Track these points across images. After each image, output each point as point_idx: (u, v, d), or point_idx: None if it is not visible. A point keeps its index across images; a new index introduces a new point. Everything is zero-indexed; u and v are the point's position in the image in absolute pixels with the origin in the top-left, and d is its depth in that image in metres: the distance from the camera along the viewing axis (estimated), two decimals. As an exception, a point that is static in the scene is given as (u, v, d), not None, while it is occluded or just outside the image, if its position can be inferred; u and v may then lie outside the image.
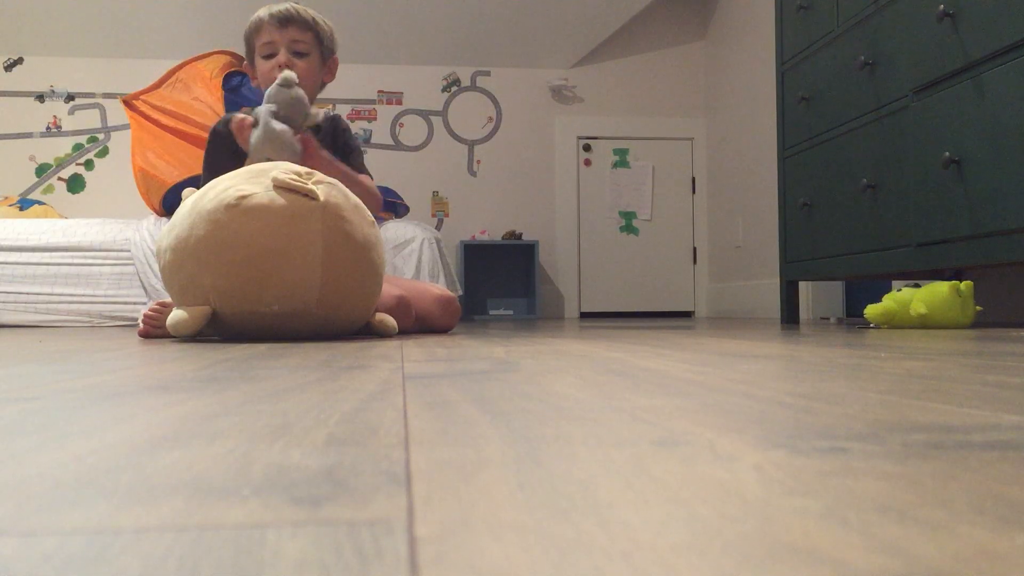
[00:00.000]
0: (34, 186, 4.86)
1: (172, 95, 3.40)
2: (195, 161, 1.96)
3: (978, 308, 2.03)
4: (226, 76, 3.36)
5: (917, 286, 2.11)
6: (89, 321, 3.25)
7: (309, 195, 1.43)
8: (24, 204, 4.24)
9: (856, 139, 2.41)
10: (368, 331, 1.66)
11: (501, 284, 5.18)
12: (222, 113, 3.20)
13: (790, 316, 2.83)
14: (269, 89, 1.77)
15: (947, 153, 1.96)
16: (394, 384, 0.63)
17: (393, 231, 3.54)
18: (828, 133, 2.55)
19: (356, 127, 5.10)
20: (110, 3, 4.52)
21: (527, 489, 0.27)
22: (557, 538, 0.21)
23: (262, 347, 1.24)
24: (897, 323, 2.06)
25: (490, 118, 5.22)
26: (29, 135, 4.89)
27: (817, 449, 0.34)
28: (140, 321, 1.72)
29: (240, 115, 1.79)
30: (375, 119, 5.14)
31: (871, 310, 2.08)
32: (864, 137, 2.37)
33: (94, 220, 3.45)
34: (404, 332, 1.80)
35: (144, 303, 3.15)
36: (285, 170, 1.46)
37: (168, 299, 1.70)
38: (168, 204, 3.30)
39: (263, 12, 1.91)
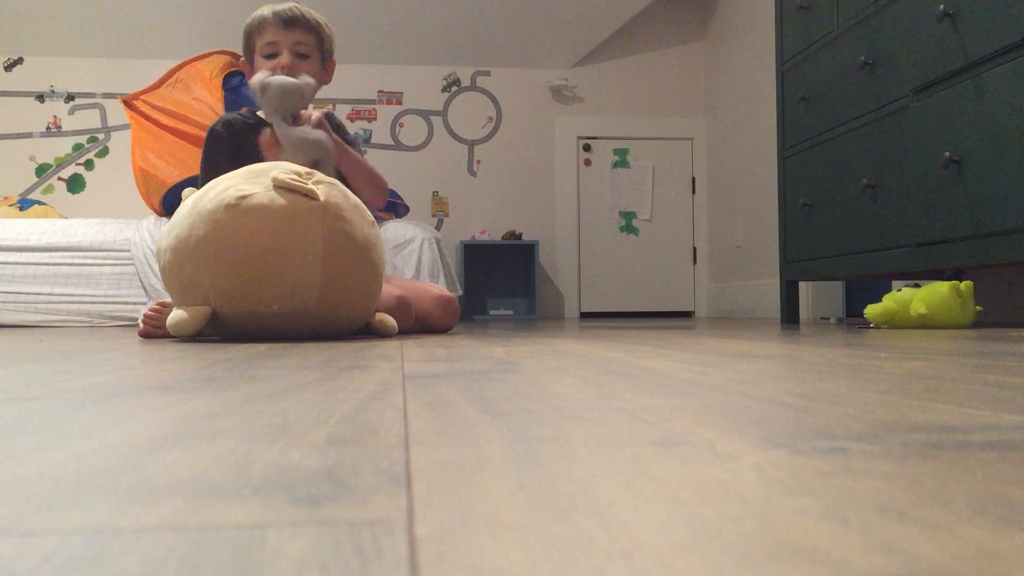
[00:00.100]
0: (34, 186, 4.86)
1: (172, 95, 3.40)
2: (195, 161, 1.96)
3: (978, 308, 2.03)
4: (226, 76, 3.36)
5: (917, 286, 2.11)
6: (89, 321, 3.25)
7: (309, 195, 1.43)
8: (24, 204, 4.24)
9: (856, 139, 2.41)
10: (368, 331, 1.66)
11: (501, 284, 5.18)
12: (222, 113, 3.21)
13: (790, 316, 2.83)
14: (259, 100, 1.78)
15: (947, 153, 1.96)
16: (394, 384, 0.63)
17: (393, 231, 3.54)
18: (828, 133, 2.55)
19: (356, 127, 5.10)
20: (110, 3, 4.53)
21: (527, 489, 0.27)
22: (557, 538, 0.21)
23: (262, 347, 1.24)
24: (897, 323, 2.06)
25: (490, 118, 5.22)
26: (29, 135, 4.89)
27: (817, 449, 0.34)
28: (140, 321, 1.72)
29: (267, 134, 1.81)
30: (375, 119, 5.14)
31: (871, 310, 2.08)
32: (864, 137, 2.37)
33: (94, 220, 3.45)
34: (404, 332, 1.80)
35: (144, 303, 3.15)
36: (285, 170, 1.46)
37: (168, 299, 1.70)
38: (168, 204, 3.30)
39: (266, 10, 1.90)
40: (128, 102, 3.42)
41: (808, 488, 0.27)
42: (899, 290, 2.10)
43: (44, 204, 4.31)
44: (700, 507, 0.24)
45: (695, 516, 0.23)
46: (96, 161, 4.93)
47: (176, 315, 1.44)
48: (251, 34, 1.91)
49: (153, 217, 3.43)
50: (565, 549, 0.20)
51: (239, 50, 2.00)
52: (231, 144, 1.84)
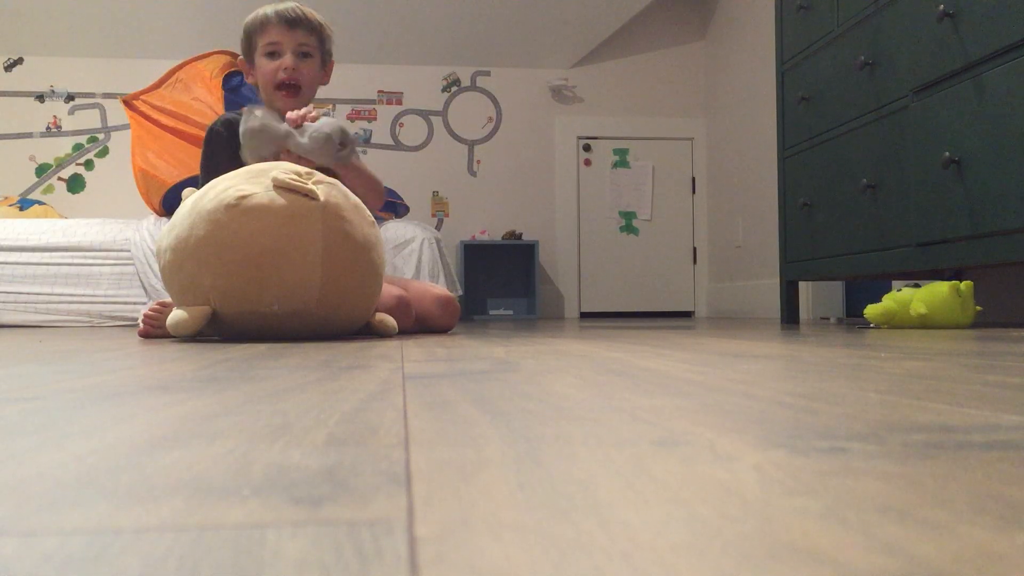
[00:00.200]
0: (34, 186, 4.86)
1: (172, 95, 3.40)
2: (195, 161, 1.96)
3: (978, 308, 2.03)
4: (226, 76, 3.36)
5: (917, 286, 2.11)
6: (89, 321, 3.25)
7: (309, 195, 1.43)
8: (24, 204, 4.24)
9: (856, 139, 2.41)
10: (368, 331, 1.66)
11: (501, 284, 5.18)
12: (222, 113, 3.20)
13: (790, 316, 2.83)
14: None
15: (947, 153, 1.96)
16: (394, 384, 0.63)
17: (393, 231, 3.54)
18: (828, 133, 2.55)
19: (356, 127, 5.10)
20: (110, 3, 4.52)
21: (527, 489, 0.27)
22: (557, 538, 0.21)
23: (262, 347, 1.24)
24: (897, 323, 2.06)
25: (490, 118, 5.22)
26: (29, 135, 4.89)
27: (817, 449, 0.34)
28: (140, 321, 1.72)
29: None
30: (375, 119, 5.14)
31: (871, 310, 2.08)
32: (864, 137, 2.37)
33: (94, 220, 3.45)
34: (404, 332, 1.80)
35: (144, 303, 3.15)
36: (285, 170, 1.46)
37: (168, 299, 1.70)
38: (168, 204, 3.30)
39: (269, 10, 1.89)
40: (128, 102, 3.42)
41: (808, 488, 0.27)
42: (899, 290, 2.10)
43: (44, 204, 4.31)
44: (700, 507, 0.24)
45: (695, 516, 0.23)
46: (96, 161, 4.93)
47: (176, 315, 1.44)
48: (252, 33, 1.90)
49: (153, 217, 3.43)
50: (565, 549, 0.20)
51: (239, 49, 1.99)
52: (231, 144, 1.84)
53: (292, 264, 1.42)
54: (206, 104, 3.33)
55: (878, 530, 0.22)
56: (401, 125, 5.16)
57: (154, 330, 1.68)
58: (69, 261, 3.27)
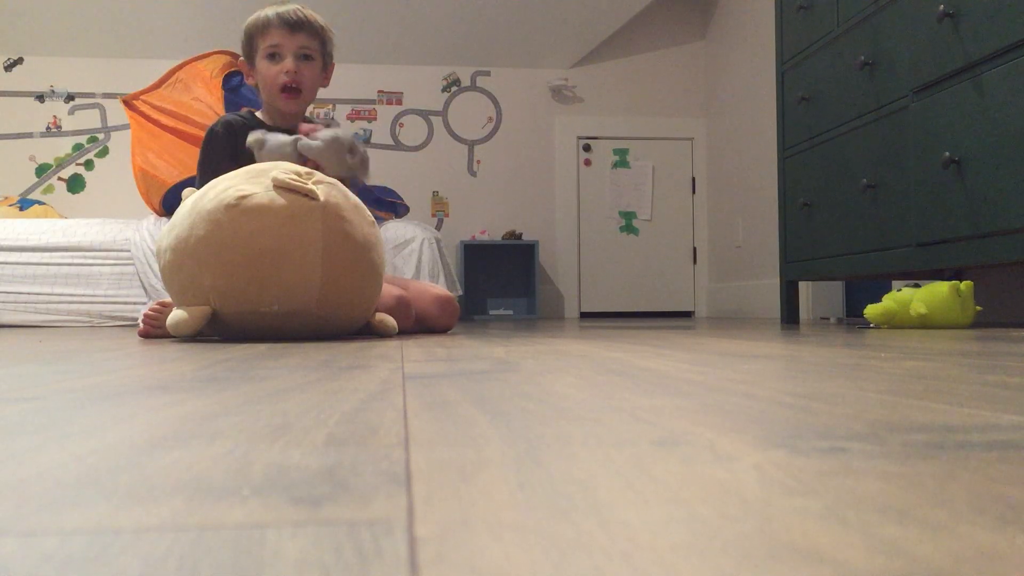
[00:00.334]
0: (34, 186, 4.86)
1: (172, 95, 3.40)
2: (195, 161, 1.95)
3: (978, 308, 2.03)
4: (226, 76, 3.36)
5: (917, 286, 2.11)
6: (89, 321, 3.25)
7: (309, 195, 1.43)
8: (24, 204, 4.24)
9: (856, 139, 2.41)
10: (368, 331, 1.66)
11: (501, 284, 5.18)
12: (222, 113, 3.20)
13: (790, 316, 2.83)
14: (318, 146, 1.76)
15: (947, 153, 1.96)
16: (394, 384, 0.63)
17: (393, 231, 3.54)
18: (828, 133, 2.55)
19: (356, 127, 5.10)
20: (110, 3, 4.52)
21: (527, 489, 0.27)
22: (557, 538, 0.21)
23: (262, 347, 1.24)
24: (897, 323, 2.06)
25: (490, 118, 5.22)
26: (29, 135, 4.89)
27: (817, 449, 0.34)
28: (140, 321, 1.72)
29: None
30: (375, 119, 5.14)
31: (871, 310, 2.08)
32: (864, 137, 2.37)
33: (94, 220, 3.45)
34: (404, 332, 1.80)
35: (144, 303, 3.15)
36: (285, 170, 1.46)
37: (168, 299, 1.70)
38: (168, 204, 3.30)
39: (270, 12, 1.88)
40: (128, 102, 3.42)
41: (808, 488, 0.27)
42: (899, 290, 2.10)
43: (44, 204, 4.31)
44: (700, 507, 0.24)
45: (695, 516, 0.23)
46: (96, 161, 4.93)
47: (176, 315, 1.44)
48: (254, 35, 1.90)
49: (153, 217, 3.43)
50: (565, 549, 0.20)
51: (239, 50, 1.99)
52: (229, 145, 1.84)
53: (292, 264, 1.42)
54: (206, 104, 3.33)
55: (878, 530, 0.22)
56: (401, 125, 5.16)
57: (154, 330, 1.68)
58: (69, 261, 3.27)
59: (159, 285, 3.09)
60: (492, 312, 5.14)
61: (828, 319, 3.62)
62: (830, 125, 2.54)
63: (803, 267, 2.72)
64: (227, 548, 0.21)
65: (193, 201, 1.49)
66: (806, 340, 1.38)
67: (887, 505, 0.24)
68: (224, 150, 1.83)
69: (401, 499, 0.26)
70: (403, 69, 5.17)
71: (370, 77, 5.12)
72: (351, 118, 5.08)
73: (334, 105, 5.03)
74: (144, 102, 3.40)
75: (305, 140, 1.76)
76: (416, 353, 1.05)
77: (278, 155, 1.72)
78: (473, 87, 5.23)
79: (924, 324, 2.02)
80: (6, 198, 4.40)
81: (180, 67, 3.42)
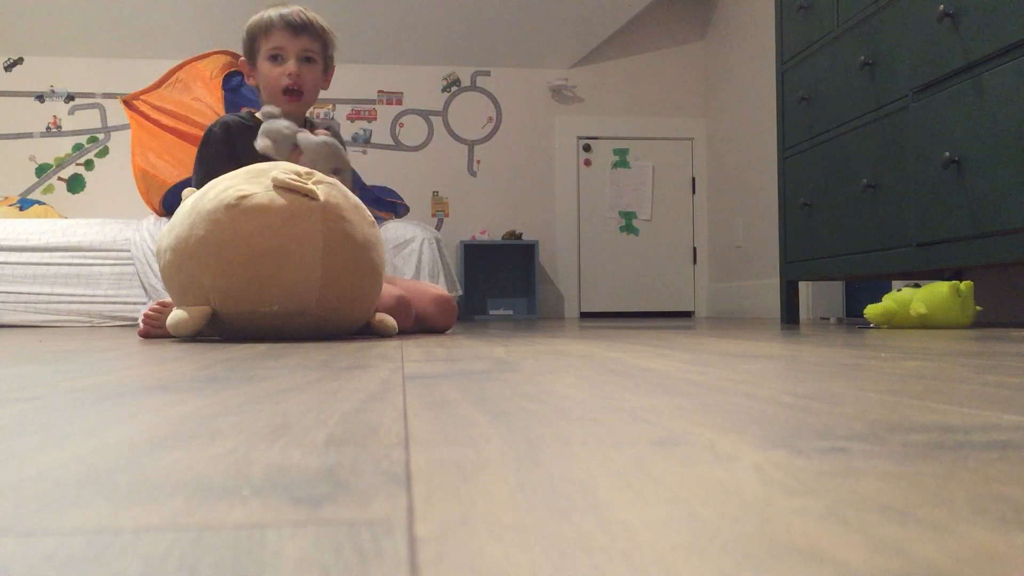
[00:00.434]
0: (34, 186, 4.86)
1: (172, 95, 3.40)
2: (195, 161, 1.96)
3: (978, 308, 2.03)
4: (226, 76, 3.36)
5: (917, 286, 2.11)
6: (89, 321, 3.25)
7: (309, 195, 1.43)
8: (24, 204, 4.24)
9: (856, 139, 2.41)
10: (368, 331, 1.66)
11: (501, 284, 5.18)
12: (222, 113, 3.20)
13: (790, 316, 2.83)
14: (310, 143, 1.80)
15: (947, 153, 1.96)
16: (394, 384, 0.63)
17: (393, 231, 3.54)
18: (828, 133, 2.55)
19: (356, 127, 5.10)
20: (110, 3, 4.52)
21: (527, 489, 0.27)
22: (557, 538, 0.21)
23: (262, 347, 1.24)
24: (897, 323, 2.06)
25: (490, 118, 5.22)
26: (29, 135, 4.89)
27: (817, 449, 0.34)
28: (140, 321, 1.72)
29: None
30: (375, 119, 5.14)
31: (871, 310, 2.08)
32: (864, 137, 2.37)
33: (94, 220, 3.45)
34: (404, 332, 1.80)
35: (144, 303, 3.15)
36: (285, 170, 1.46)
37: (168, 299, 1.70)
38: (168, 204, 3.30)
39: (273, 13, 1.88)
40: (128, 102, 3.42)
41: (808, 488, 0.27)
42: (899, 290, 2.10)
43: (44, 204, 4.31)
44: (700, 507, 0.24)
45: (695, 516, 0.23)
46: (96, 161, 4.93)
47: (176, 315, 1.44)
48: (257, 36, 1.89)
49: (153, 217, 3.43)
50: (565, 549, 0.20)
51: (239, 50, 1.99)
52: (227, 147, 1.84)
53: (292, 264, 1.42)
54: (206, 104, 3.33)
55: (878, 530, 0.22)
56: (401, 125, 5.15)
57: (154, 330, 1.68)
58: (69, 261, 3.27)
59: (159, 285, 3.09)
60: (492, 312, 5.14)
61: (828, 319, 3.62)
62: (830, 125, 2.54)
63: (803, 267, 2.72)
64: (227, 548, 0.21)
65: (193, 201, 1.49)
66: (806, 340, 1.38)
67: (887, 505, 0.24)
68: (221, 152, 1.83)
69: (401, 499, 0.26)
70: (403, 69, 5.17)
71: (370, 77, 5.12)
72: (351, 118, 5.08)
73: (334, 105, 5.03)
74: (144, 102, 3.40)
75: (306, 134, 1.79)
76: (416, 353, 1.05)
77: (275, 134, 1.76)
78: (473, 87, 5.23)
79: (924, 324, 2.02)
80: (6, 198, 4.40)
81: (180, 67, 3.42)
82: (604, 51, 5.24)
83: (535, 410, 0.47)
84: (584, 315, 5.17)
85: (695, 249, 5.26)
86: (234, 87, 3.35)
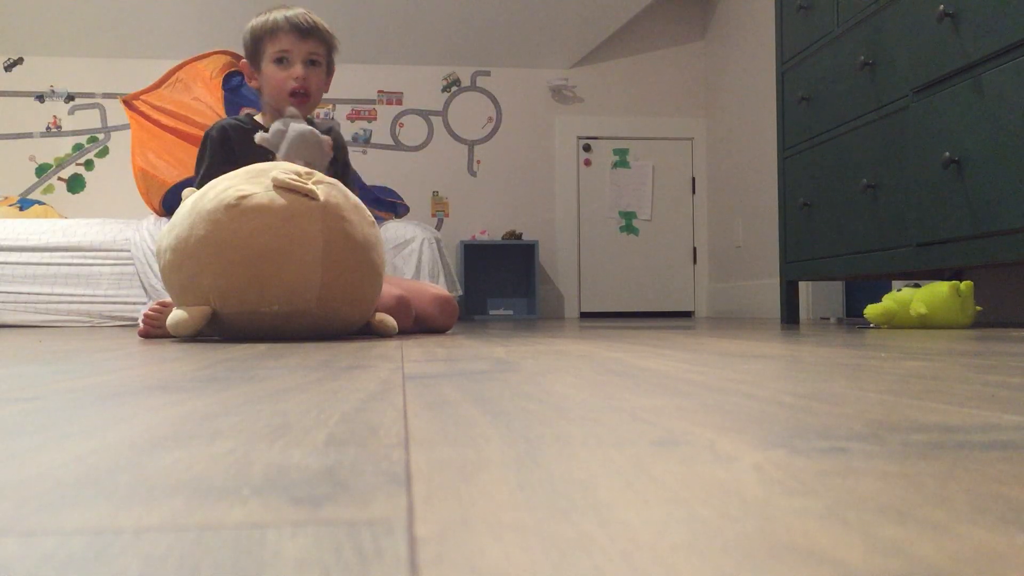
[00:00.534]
0: (34, 186, 4.86)
1: (172, 95, 3.39)
2: (194, 161, 1.96)
3: (978, 308, 2.03)
4: (226, 76, 3.36)
5: (917, 286, 2.11)
6: (89, 321, 3.25)
7: (309, 195, 1.43)
8: (24, 204, 4.24)
9: (856, 139, 2.41)
10: (368, 331, 1.66)
11: (501, 284, 5.18)
12: (222, 113, 3.20)
13: (790, 316, 2.83)
14: (291, 137, 1.81)
15: (947, 153, 1.96)
16: (394, 384, 0.63)
17: (393, 231, 3.54)
18: (828, 133, 2.55)
19: (356, 127, 5.10)
20: (110, 3, 4.52)
21: (527, 489, 0.27)
22: (557, 538, 0.21)
23: (262, 347, 1.24)
24: (897, 323, 2.06)
25: (490, 118, 5.22)
26: (29, 135, 4.89)
27: (817, 449, 0.34)
28: (140, 321, 1.72)
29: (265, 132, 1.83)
30: (375, 119, 5.14)
31: (871, 310, 2.08)
32: (864, 137, 2.37)
33: (94, 220, 3.45)
34: (404, 332, 1.80)
35: (144, 303, 3.15)
36: (285, 170, 1.46)
37: (168, 299, 1.70)
38: (168, 204, 3.30)
39: (279, 15, 1.87)
40: (128, 102, 3.42)
41: (808, 488, 0.27)
42: (899, 290, 2.10)
43: (44, 204, 4.31)
44: (700, 507, 0.24)
45: (695, 516, 0.23)
46: (96, 161, 4.93)
47: (176, 315, 1.44)
48: (262, 38, 1.87)
49: (153, 217, 3.43)
50: (565, 549, 0.20)
51: (239, 50, 1.98)
52: (224, 149, 1.84)
53: (292, 264, 1.42)
54: (206, 104, 3.33)
55: (878, 530, 0.22)
56: (401, 125, 5.15)
57: (154, 330, 1.68)
58: (69, 261, 3.27)
59: (159, 285, 3.09)
60: (492, 312, 5.14)
61: (828, 319, 3.62)
62: (830, 125, 2.54)
63: (803, 267, 2.72)
64: (227, 548, 0.21)
65: (193, 201, 1.49)
66: (806, 340, 1.38)
67: (887, 505, 0.24)
68: (218, 155, 1.83)
69: (401, 499, 0.26)
70: (403, 69, 5.17)
71: (370, 77, 5.12)
72: (351, 118, 5.08)
73: (334, 105, 5.03)
74: (144, 102, 3.40)
75: (298, 125, 1.81)
76: (416, 353, 1.05)
77: (277, 133, 1.80)
78: (473, 87, 5.23)
79: (924, 324, 2.02)
80: (6, 198, 4.40)
81: (180, 67, 3.42)
82: (604, 51, 5.24)
83: (535, 410, 0.47)
84: (584, 315, 5.17)
85: (695, 249, 5.26)
86: (234, 87, 3.35)
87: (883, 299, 2.09)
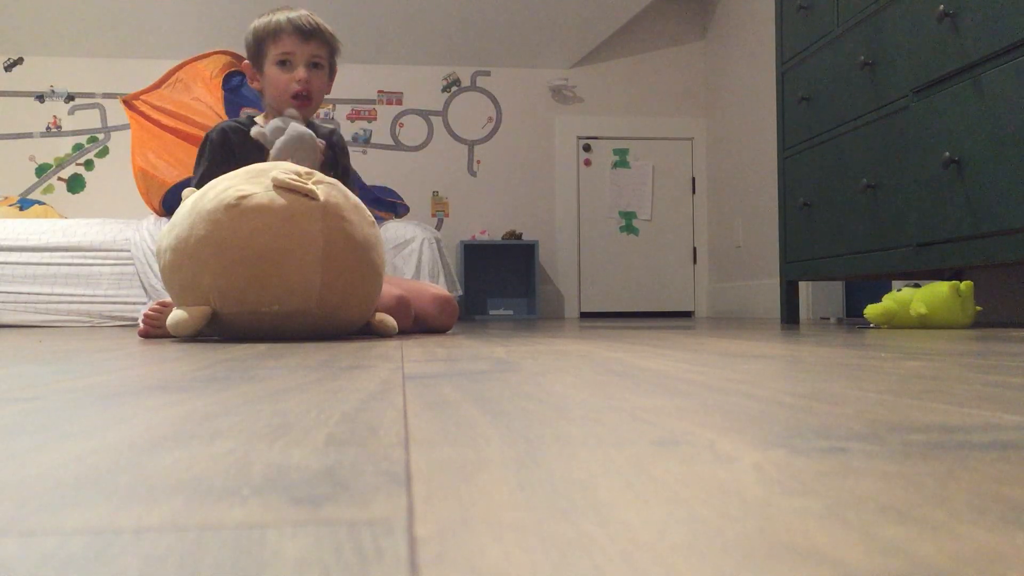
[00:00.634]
0: (34, 186, 4.86)
1: (172, 95, 3.39)
2: (194, 161, 1.96)
3: (978, 308, 2.03)
4: (226, 76, 3.36)
5: (917, 286, 2.11)
6: (89, 321, 3.25)
7: (309, 195, 1.43)
8: (24, 204, 4.24)
9: (856, 139, 2.41)
10: (368, 331, 1.66)
11: (501, 284, 5.18)
12: (222, 113, 3.20)
13: (790, 316, 2.83)
14: (285, 139, 1.82)
15: (947, 153, 1.96)
16: (394, 384, 0.63)
17: (393, 231, 3.54)
18: (828, 133, 2.55)
19: (356, 127, 5.10)
20: (110, 3, 4.52)
21: (527, 489, 0.27)
22: (557, 538, 0.21)
23: (262, 347, 1.23)
24: (897, 323, 2.06)
25: (490, 118, 5.22)
26: (29, 135, 4.89)
27: (817, 449, 0.34)
28: (140, 321, 1.72)
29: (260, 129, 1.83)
30: (375, 119, 5.14)
31: (871, 310, 2.08)
32: (864, 137, 2.37)
33: (94, 220, 3.45)
34: (404, 332, 1.80)
35: (144, 303, 3.15)
36: (285, 170, 1.46)
37: (168, 299, 1.70)
38: (168, 204, 3.30)
39: (282, 17, 1.86)
40: (128, 102, 3.42)
41: (808, 488, 0.27)
42: (899, 290, 2.10)
43: (44, 204, 4.31)
44: (700, 507, 0.24)
45: (695, 516, 0.23)
46: (96, 161, 4.93)
47: (176, 315, 1.44)
48: (265, 40, 1.87)
49: (153, 217, 3.43)
50: (565, 549, 0.20)
51: (239, 50, 1.98)
52: (224, 151, 1.84)
53: (292, 264, 1.42)
54: (206, 104, 3.33)
55: (878, 530, 0.22)
56: (401, 125, 5.15)
57: (154, 330, 1.68)
58: (69, 261, 3.27)
59: (159, 285, 3.09)
60: (492, 312, 5.14)
61: (828, 319, 3.62)
62: (830, 125, 2.54)
63: (803, 267, 2.72)
64: (227, 548, 0.21)
65: (193, 201, 1.49)
66: (806, 340, 1.38)
67: (887, 505, 0.24)
68: (218, 157, 1.83)
69: (401, 499, 0.26)
70: (403, 69, 5.17)
71: (370, 77, 5.12)
72: (351, 118, 5.08)
73: (334, 105, 5.03)
74: (144, 102, 3.40)
75: (295, 126, 1.81)
76: (416, 353, 1.05)
77: (276, 132, 1.80)
78: (473, 87, 5.23)
79: (924, 324, 2.02)
80: (6, 198, 4.40)
81: (180, 67, 3.42)
82: (604, 51, 5.24)
83: (535, 410, 0.47)
84: (584, 315, 5.17)
85: (695, 249, 5.26)
86: (234, 87, 3.35)
87: (883, 299, 2.09)
